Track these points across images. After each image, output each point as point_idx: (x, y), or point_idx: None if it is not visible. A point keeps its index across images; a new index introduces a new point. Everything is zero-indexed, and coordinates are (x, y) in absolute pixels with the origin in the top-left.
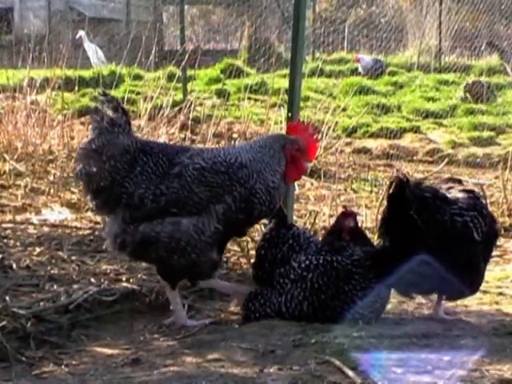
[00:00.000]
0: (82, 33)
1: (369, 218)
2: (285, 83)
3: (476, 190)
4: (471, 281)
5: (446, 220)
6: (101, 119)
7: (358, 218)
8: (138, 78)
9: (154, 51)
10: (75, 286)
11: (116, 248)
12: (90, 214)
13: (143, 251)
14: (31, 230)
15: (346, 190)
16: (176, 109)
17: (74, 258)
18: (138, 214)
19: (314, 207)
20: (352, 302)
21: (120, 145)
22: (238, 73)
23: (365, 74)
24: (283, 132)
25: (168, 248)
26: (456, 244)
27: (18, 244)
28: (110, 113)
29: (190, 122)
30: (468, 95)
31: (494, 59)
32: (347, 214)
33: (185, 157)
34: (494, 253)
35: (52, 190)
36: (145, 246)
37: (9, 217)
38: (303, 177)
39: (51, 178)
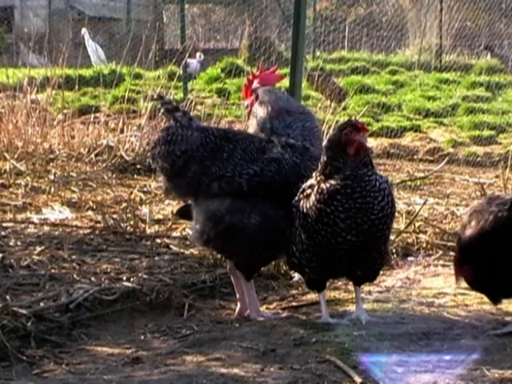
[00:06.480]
0: (84, 30)
1: None
2: (285, 82)
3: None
4: None
5: None
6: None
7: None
8: (138, 76)
9: (154, 50)
10: (76, 285)
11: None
12: (90, 213)
13: (227, 240)
14: (32, 229)
15: None
16: None
17: (74, 257)
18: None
19: None
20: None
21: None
22: (238, 72)
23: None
24: None
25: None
26: None
27: (18, 243)
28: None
29: None
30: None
31: (494, 60)
32: (359, 127)
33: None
34: None
35: (52, 189)
36: (230, 235)
37: (9, 216)
38: None
39: (52, 177)
